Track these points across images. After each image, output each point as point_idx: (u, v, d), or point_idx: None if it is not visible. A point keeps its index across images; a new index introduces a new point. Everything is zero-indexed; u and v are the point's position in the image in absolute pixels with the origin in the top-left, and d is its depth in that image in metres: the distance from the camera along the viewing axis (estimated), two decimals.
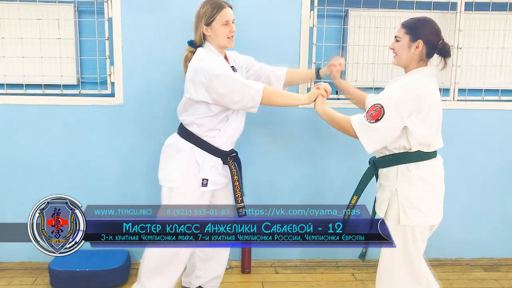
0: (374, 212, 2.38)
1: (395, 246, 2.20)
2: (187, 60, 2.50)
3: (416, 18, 2.26)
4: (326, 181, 3.32)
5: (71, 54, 3.11)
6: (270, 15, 3.11)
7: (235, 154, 2.61)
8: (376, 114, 2.13)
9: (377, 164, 2.32)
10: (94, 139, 3.16)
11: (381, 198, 2.28)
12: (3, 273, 3.17)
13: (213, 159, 2.49)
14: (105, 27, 3.07)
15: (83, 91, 3.15)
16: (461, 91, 3.31)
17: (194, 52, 2.46)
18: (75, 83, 3.14)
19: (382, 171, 2.30)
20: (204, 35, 2.44)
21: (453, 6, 3.20)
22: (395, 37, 2.26)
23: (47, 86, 3.13)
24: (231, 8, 2.45)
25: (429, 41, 2.19)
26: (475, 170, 3.37)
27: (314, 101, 2.43)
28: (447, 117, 3.26)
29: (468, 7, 3.20)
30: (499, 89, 3.34)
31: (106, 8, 3.04)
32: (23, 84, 3.10)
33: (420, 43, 2.18)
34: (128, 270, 3.12)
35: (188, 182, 2.45)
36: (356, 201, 2.36)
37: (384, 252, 2.29)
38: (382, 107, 2.12)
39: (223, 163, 2.53)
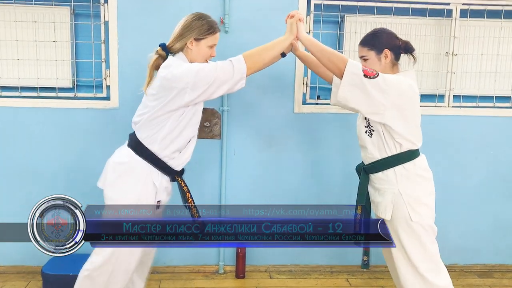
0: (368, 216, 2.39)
1: (410, 247, 2.24)
2: (154, 66, 2.29)
3: (370, 33, 2.35)
4: (323, 184, 3.32)
5: (67, 57, 3.10)
6: (266, 20, 3.12)
7: (183, 171, 2.45)
8: (371, 73, 2.14)
9: (369, 170, 2.36)
10: (89, 142, 3.14)
11: (383, 202, 2.28)
12: None
13: (165, 179, 2.32)
14: (101, 30, 3.07)
15: (79, 94, 3.15)
16: (456, 97, 3.33)
17: (164, 58, 2.28)
18: (71, 86, 3.14)
19: (377, 176, 2.32)
20: (185, 46, 2.28)
21: (449, 13, 3.22)
22: (361, 57, 2.34)
23: (42, 89, 3.12)
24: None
25: (392, 46, 2.29)
26: (469, 176, 3.38)
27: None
28: (442, 123, 3.31)
29: (463, 14, 3.22)
30: (493, 96, 3.36)
31: (102, 12, 3.04)
32: (18, 87, 3.10)
33: (387, 51, 2.28)
34: None
35: (144, 206, 2.24)
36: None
37: (401, 259, 2.28)
38: (379, 73, 2.16)
39: (171, 180, 2.37)
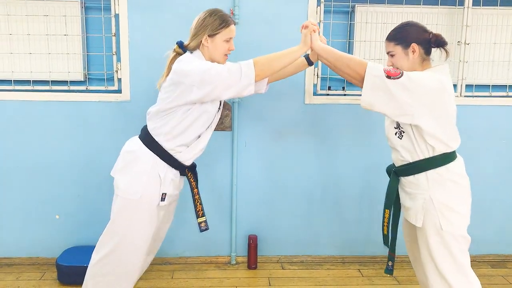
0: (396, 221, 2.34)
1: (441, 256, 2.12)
2: (169, 61, 2.32)
3: (397, 27, 2.22)
4: (334, 176, 3.31)
5: (78, 50, 3.12)
6: (276, 11, 3.11)
7: (193, 165, 2.47)
8: (394, 73, 2.04)
9: (400, 173, 2.24)
10: (101, 135, 3.17)
11: (414, 208, 2.17)
12: (11, 268, 3.19)
13: (172, 171, 2.32)
14: (112, 23, 3.08)
15: (90, 87, 3.17)
16: (469, 87, 3.30)
17: (180, 54, 2.31)
18: (82, 79, 3.16)
19: (408, 179, 2.20)
20: (200, 44, 2.29)
21: (461, 2, 3.19)
22: (388, 53, 2.22)
23: (54, 82, 3.14)
24: (235, 24, 2.35)
25: (421, 40, 2.15)
26: (482, 166, 3.35)
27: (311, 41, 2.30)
28: None
29: (476, 2, 3.18)
30: (506, 85, 3.33)
31: (113, 5, 3.05)
32: (30, 81, 3.12)
33: (415, 46, 2.14)
34: None
35: (149, 196, 2.25)
36: (390, 214, 2.30)
37: (430, 269, 2.16)
38: (403, 72, 2.05)
39: (180, 175, 2.39)
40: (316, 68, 3.19)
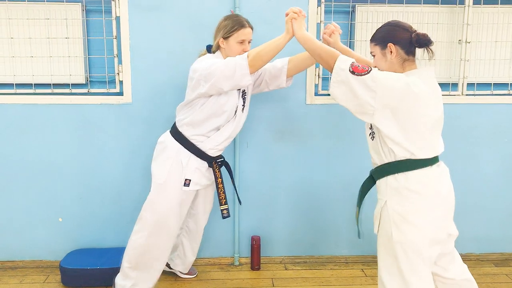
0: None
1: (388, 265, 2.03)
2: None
3: (380, 27, 2.14)
4: (336, 176, 3.31)
5: (80, 53, 3.12)
6: (277, 12, 3.11)
7: (222, 159, 2.80)
8: (361, 69, 1.96)
9: (374, 175, 2.16)
10: (102, 138, 3.17)
11: (374, 214, 2.12)
12: (15, 271, 3.20)
13: (198, 161, 2.65)
14: (113, 26, 3.08)
15: (92, 90, 3.17)
16: (470, 85, 3.30)
17: (202, 54, 2.69)
18: (84, 82, 3.16)
19: (377, 184, 2.14)
20: (219, 45, 2.62)
21: (461, 0, 3.18)
22: (371, 53, 2.16)
23: (55, 85, 3.15)
24: (251, 28, 2.62)
25: (399, 40, 2.04)
26: (484, 165, 3.35)
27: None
28: (456, 112, 3.28)
29: (477, 0, 3.18)
30: (508, 83, 3.32)
31: (114, 7, 3.05)
32: (32, 84, 3.13)
33: (391, 46, 2.05)
34: None
35: (172, 181, 2.62)
36: (358, 213, 2.26)
37: (381, 273, 2.08)
38: (371, 70, 1.96)
39: (208, 166, 2.71)
40: (318, 68, 3.19)
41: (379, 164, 2.10)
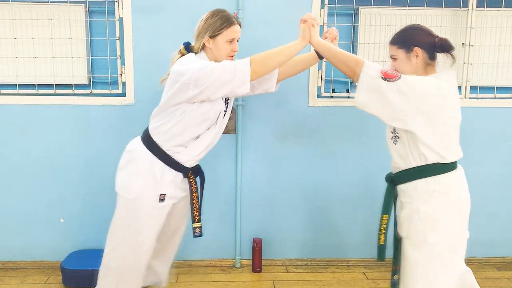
0: (395, 234, 2.22)
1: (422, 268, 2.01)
2: (173, 60, 2.34)
3: (401, 30, 2.15)
4: (338, 178, 3.31)
5: (82, 54, 3.13)
6: (280, 14, 3.11)
7: (197, 168, 2.45)
8: (392, 75, 1.96)
9: (395, 180, 2.15)
10: (105, 139, 3.17)
11: (402, 218, 2.10)
12: (16, 272, 3.20)
13: (173, 173, 2.30)
14: (116, 27, 3.09)
15: (94, 91, 3.17)
16: (473, 88, 3.29)
17: (182, 54, 2.33)
18: (86, 83, 3.16)
19: (401, 188, 2.12)
20: (203, 45, 2.28)
21: (465, 3, 3.18)
22: (391, 57, 2.15)
23: (58, 86, 3.15)
24: (239, 25, 2.33)
25: (425, 44, 2.06)
26: (487, 169, 3.34)
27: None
28: None
29: (480, 3, 3.17)
30: (511, 87, 3.31)
31: (117, 8, 3.06)
32: (35, 84, 3.13)
33: (418, 50, 2.05)
34: None
35: (145, 196, 2.26)
36: (388, 220, 2.19)
37: (410, 278, 2.06)
38: (401, 75, 1.97)
39: (183, 177, 2.36)
40: (320, 71, 3.19)
41: (404, 168, 2.09)
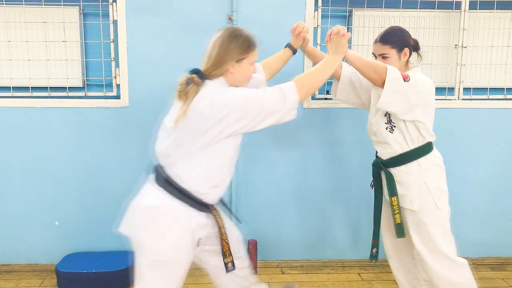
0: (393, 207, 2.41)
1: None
2: (192, 96, 1.92)
3: (390, 31, 2.41)
4: (334, 180, 3.32)
5: (77, 56, 3.12)
6: (274, 16, 3.12)
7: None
8: (405, 76, 2.21)
9: (389, 164, 2.42)
10: (99, 141, 3.17)
11: (409, 195, 2.35)
12: (10, 275, 3.18)
13: (201, 215, 2.04)
14: (110, 29, 3.09)
15: (89, 93, 3.17)
16: (466, 90, 3.31)
17: (199, 85, 1.95)
18: (81, 86, 3.16)
19: (399, 169, 2.39)
20: (225, 70, 1.98)
21: (457, 5, 3.20)
22: (380, 55, 2.39)
23: (53, 88, 3.15)
24: None
25: (409, 44, 2.39)
26: (481, 170, 3.36)
27: None
28: (452, 116, 3.29)
29: (473, 5, 3.20)
30: (504, 88, 3.34)
31: (111, 11, 3.06)
32: (29, 87, 3.13)
33: (407, 49, 2.38)
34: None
35: (182, 252, 2.01)
36: (397, 200, 2.40)
37: (425, 246, 2.37)
38: (409, 75, 2.23)
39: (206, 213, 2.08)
40: None
41: (401, 152, 2.36)
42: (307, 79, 2.04)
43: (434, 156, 2.38)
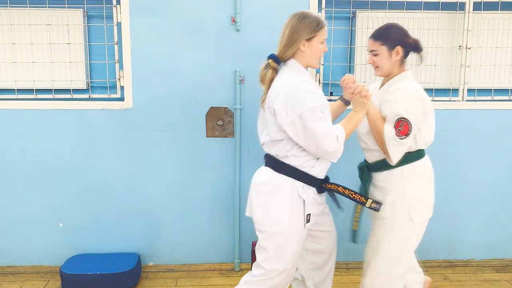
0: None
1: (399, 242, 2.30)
2: (269, 80, 2.19)
3: (384, 27, 2.32)
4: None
5: (81, 58, 3.13)
6: (278, 18, 3.10)
7: (327, 177, 2.38)
8: (404, 130, 2.16)
9: (373, 168, 2.39)
10: (103, 143, 3.17)
11: (386, 200, 2.29)
12: (15, 277, 3.19)
13: (311, 190, 2.24)
14: (114, 31, 3.10)
15: (93, 96, 3.18)
16: (471, 91, 3.30)
17: (276, 69, 2.20)
18: (85, 88, 3.17)
19: (381, 174, 2.34)
20: (297, 50, 2.17)
21: (462, 6, 3.19)
22: (371, 51, 2.31)
23: (57, 91, 3.16)
24: None
25: (404, 44, 2.27)
26: (485, 171, 3.35)
27: None
28: (457, 118, 3.28)
29: (477, 7, 3.19)
30: (509, 89, 3.32)
31: (115, 13, 3.07)
32: (33, 89, 3.14)
33: (399, 48, 2.26)
34: (138, 273, 3.13)
35: (295, 223, 2.19)
36: (361, 209, 2.44)
37: (383, 249, 2.34)
38: (408, 121, 2.16)
39: (318, 192, 2.30)
40: (318, 74, 3.20)
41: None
42: (347, 131, 2.19)
43: (423, 165, 2.29)
